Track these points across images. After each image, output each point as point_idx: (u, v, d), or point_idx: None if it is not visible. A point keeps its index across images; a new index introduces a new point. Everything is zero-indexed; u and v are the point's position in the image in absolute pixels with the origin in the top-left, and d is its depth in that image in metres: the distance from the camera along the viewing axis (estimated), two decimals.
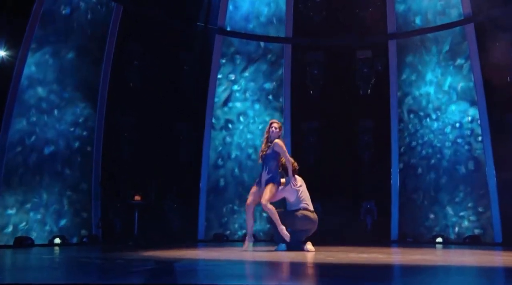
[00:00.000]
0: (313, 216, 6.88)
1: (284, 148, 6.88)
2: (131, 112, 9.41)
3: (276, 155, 6.82)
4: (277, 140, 6.86)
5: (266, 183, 6.78)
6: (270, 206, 6.70)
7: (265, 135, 7.00)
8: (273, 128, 6.87)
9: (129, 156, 9.34)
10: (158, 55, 9.69)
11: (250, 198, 6.92)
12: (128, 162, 9.28)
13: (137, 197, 8.69)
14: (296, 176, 7.00)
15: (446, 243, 9.17)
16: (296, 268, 4.83)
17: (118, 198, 8.83)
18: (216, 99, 10.30)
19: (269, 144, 6.90)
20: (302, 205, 6.90)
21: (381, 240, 9.57)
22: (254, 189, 6.96)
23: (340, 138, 10.23)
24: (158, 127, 9.60)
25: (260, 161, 7.03)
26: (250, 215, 6.90)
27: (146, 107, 9.42)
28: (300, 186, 6.96)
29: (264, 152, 6.89)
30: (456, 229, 9.48)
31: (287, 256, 6.05)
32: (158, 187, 9.32)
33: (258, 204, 7.02)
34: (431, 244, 9.12)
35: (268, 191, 6.70)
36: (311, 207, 6.93)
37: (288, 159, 6.89)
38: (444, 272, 4.62)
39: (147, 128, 9.48)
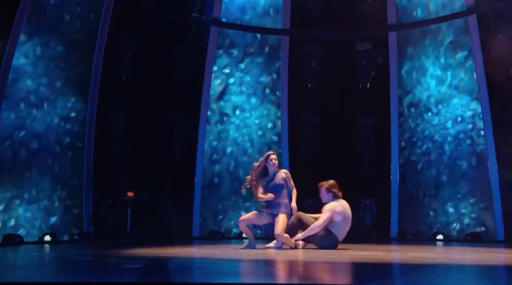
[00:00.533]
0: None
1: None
2: (124, 106, 9.38)
3: (285, 184, 7.09)
4: (286, 170, 7.24)
5: (277, 214, 6.94)
6: (285, 235, 6.84)
7: (259, 164, 7.13)
8: (273, 160, 7.13)
9: (122, 151, 9.32)
10: (151, 47, 9.66)
11: (245, 216, 7.13)
12: (120, 157, 9.25)
13: (130, 193, 8.69)
14: (341, 200, 7.01)
15: (447, 241, 9.19)
16: (293, 266, 4.84)
17: (110, 194, 8.82)
18: (211, 93, 10.28)
19: (265, 175, 7.12)
20: (340, 236, 6.92)
21: (381, 237, 9.58)
22: (255, 213, 7.10)
23: (339, 133, 10.23)
24: (151, 121, 9.59)
25: (247, 187, 7.19)
26: (244, 228, 7.12)
27: (139, 100, 9.39)
28: (342, 211, 6.94)
29: (266, 183, 7.09)
30: (457, 226, 9.50)
31: (283, 254, 6.06)
32: (152, 183, 9.31)
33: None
34: (432, 241, 9.14)
35: (281, 222, 6.86)
36: (341, 239, 6.97)
37: (294, 188, 7.10)
38: (445, 270, 4.63)
39: (140, 122, 9.47)
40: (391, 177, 10.00)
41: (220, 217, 10.13)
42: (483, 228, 9.30)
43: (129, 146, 9.37)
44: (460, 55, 9.75)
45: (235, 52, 10.49)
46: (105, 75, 9.15)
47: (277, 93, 10.47)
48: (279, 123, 10.39)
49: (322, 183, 7.06)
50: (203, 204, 10.02)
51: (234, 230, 10.08)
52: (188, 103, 10.15)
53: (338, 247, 6.94)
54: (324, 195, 7.03)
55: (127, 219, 8.63)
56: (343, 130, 10.27)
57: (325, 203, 6.99)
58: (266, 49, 10.59)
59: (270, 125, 10.45)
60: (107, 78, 9.17)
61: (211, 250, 6.74)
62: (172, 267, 4.59)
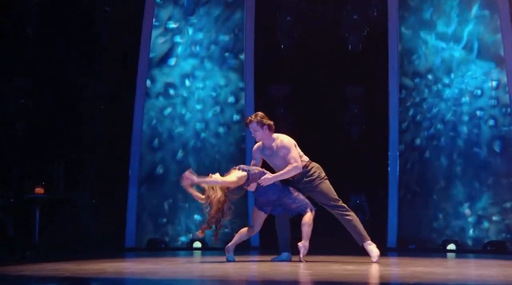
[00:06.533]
0: None
1: None
2: (24, 71, 9.26)
3: None
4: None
5: None
6: None
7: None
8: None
9: (26, 132, 9.24)
10: None
11: None
12: (24, 140, 9.20)
13: (38, 190, 8.59)
14: None
15: (461, 251, 9.34)
16: None
17: (11, 190, 8.83)
18: (151, 55, 10.19)
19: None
20: None
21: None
22: None
23: (320, 109, 10.28)
24: (67, 91, 9.51)
25: None
26: None
27: (47, 63, 9.30)
28: None
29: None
30: (475, 232, 9.64)
31: (239, 269, 6.01)
32: (69, 175, 9.24)
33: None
34: (441, 252, 9.28)
35: None
36: None
37: None
38: None
39: (50, 93, 9.38)
40: (389, 168, 10.05)
41: (164, 220, 10.06)
42: (507, 236, 9.45)
43: (35, 126, 9.29)
44: (479, 7, 9.85)
45: (183, 0, 10.34)
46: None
47: (240, 57, 10.41)
48: (242, 96, 10.36)
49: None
50: (140, 204, 9.95)
51: (182, 238, 10.05)
52: (120, 68, 10.08)
53: (319, 260, 7.05)
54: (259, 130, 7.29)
55: (35, 224, 8.55)
56: (325, 106, 10.32)
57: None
58: None
59: (230, 99, 10.41)
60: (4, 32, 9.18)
61: (151, 265, 6.73)
62: None
